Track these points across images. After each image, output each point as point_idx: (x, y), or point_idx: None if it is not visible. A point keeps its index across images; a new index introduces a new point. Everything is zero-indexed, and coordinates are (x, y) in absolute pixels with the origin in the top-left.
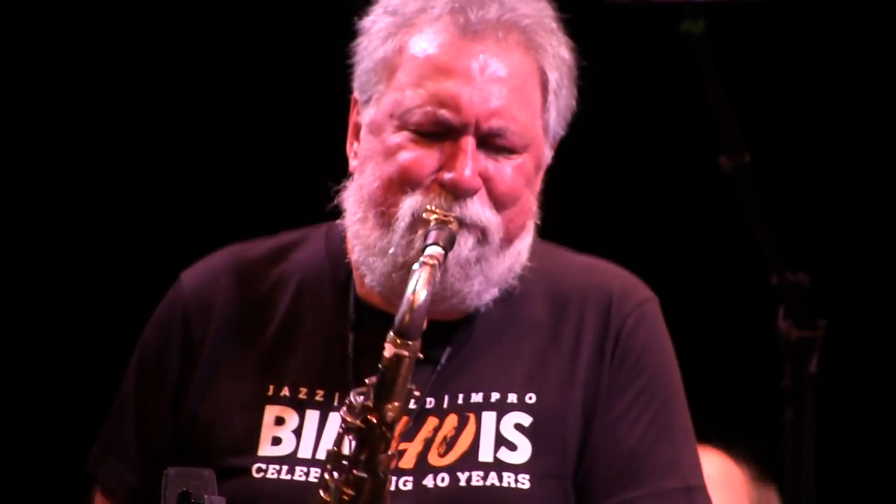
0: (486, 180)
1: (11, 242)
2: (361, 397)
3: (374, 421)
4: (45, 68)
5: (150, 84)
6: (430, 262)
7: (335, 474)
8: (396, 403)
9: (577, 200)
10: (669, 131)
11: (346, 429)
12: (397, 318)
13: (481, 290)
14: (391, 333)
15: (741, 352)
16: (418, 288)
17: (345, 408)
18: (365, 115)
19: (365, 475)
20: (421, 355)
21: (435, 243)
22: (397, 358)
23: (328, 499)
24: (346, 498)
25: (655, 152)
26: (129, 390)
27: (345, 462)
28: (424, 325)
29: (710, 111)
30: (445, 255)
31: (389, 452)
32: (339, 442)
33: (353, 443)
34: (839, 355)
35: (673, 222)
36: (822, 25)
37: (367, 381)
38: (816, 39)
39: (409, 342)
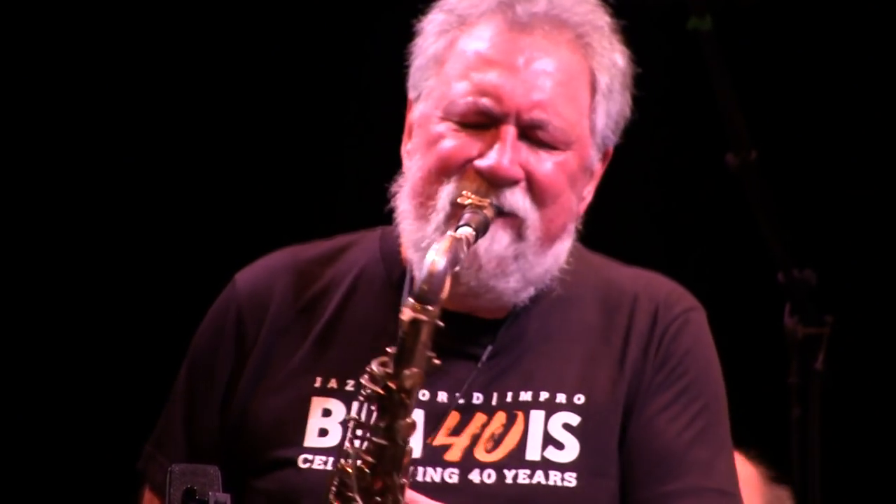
0: (527, 172)
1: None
2: (381, 366)
3: (394, 387)
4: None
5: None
6: (456, 235)
7: (356, 443)
8: (415, 369)
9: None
10: (676, 128)
11: (367, 397)
12: (417, 283)
13: (518, 287)
14: (410, 299)
15: (748, 348)
16: (437, 255)
17: (365, 375)
18: (416, 110)
19: (385, 442)
20: (440, 323)
21: (466, 224)
22: (415, 322)
23: (348, 468)
24: (364, 466)
25: (662, 149)
26: (179, 390)
27: (365, 430)
28: (445, 292)
29: (716, 108)
30: (476, 239)
31: (408, 420)
32: (360, 410)
33: (374, 410)
34: (846, 352)
35: (679, 219)
36: (828, 23)
37: (387, 350)
38: (823, 37)
39: (429, 307)
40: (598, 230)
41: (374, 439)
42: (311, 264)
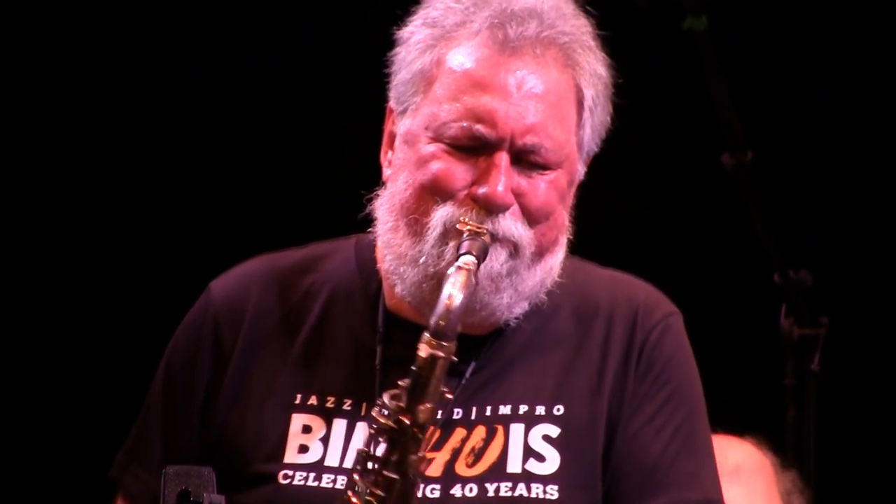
0: (519, 196)
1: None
2: (393, 399)
3: (407, 422)
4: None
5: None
6: (466, 267)
7: (364, 475)
8: (429, 405)
9: (577, 198)
10: (671, 129)
11: (378, 429)
12: (433, 319)
13: (511, 302)
14: (426, 335)
15: (744, 349)
16: (454, 291)
17: (376, 408)
18: (400, 125)
19: (395, 476)
20: (455, 358)
21: (468, 253)
22: (432, 359)
23: (356, 500)
24: (373, 499)
25: (658, 150)
26: (155, 399)
27: (375, 463)
28: (459, 327)
29: (712, 109)
30: (478, 266)
31: (420, 454)
32: (369, 443)
33: (384, 444)
34: (841, 353)
35: (675, 220)
36: (824, 23)
37: (399, 383)
38: (819, 37)
39: (445, 343)
40: (594, 232)
41: (385, 473)
42: (287, 273)
